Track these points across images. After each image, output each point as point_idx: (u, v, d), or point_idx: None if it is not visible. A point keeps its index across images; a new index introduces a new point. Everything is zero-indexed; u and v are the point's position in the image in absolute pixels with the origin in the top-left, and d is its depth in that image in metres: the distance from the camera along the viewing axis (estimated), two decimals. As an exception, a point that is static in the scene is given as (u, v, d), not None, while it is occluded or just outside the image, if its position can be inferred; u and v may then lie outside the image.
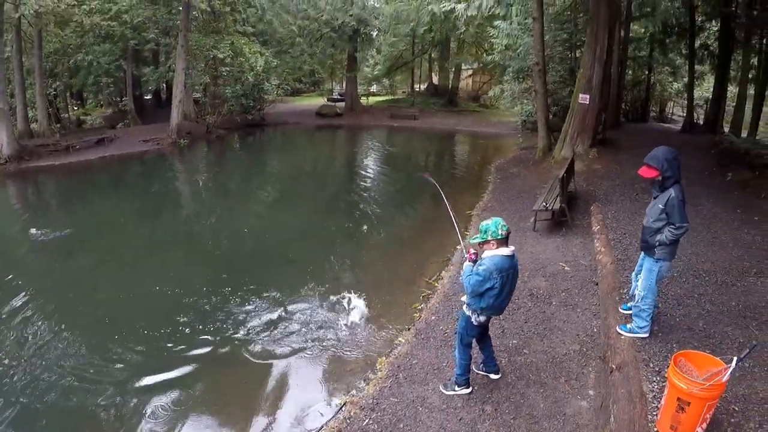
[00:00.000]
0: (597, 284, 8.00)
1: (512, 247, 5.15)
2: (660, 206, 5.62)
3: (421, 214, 14.38)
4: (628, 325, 6.20)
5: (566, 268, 8.87)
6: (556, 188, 11.29)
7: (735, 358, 4.29)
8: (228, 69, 30.16)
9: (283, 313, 8.53)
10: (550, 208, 10.78)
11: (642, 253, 6.15)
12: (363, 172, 21.76)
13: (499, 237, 5.02)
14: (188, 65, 27.26)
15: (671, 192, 5.51)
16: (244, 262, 11.02)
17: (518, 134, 26.77)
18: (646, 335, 6.06)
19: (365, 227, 13.46)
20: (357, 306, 8.85)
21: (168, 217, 14.98)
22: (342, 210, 15.58)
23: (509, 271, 5.10)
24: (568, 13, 24.06)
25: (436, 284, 9.18)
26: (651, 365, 5.57)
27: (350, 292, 9.33)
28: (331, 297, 9.14)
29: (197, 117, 30.70)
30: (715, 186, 13.69)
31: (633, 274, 6.44)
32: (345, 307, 8.81)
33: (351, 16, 33.86)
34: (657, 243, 5.68)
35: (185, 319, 8.37)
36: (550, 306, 7.55)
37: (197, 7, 25.72)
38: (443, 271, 9.74)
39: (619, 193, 13.42)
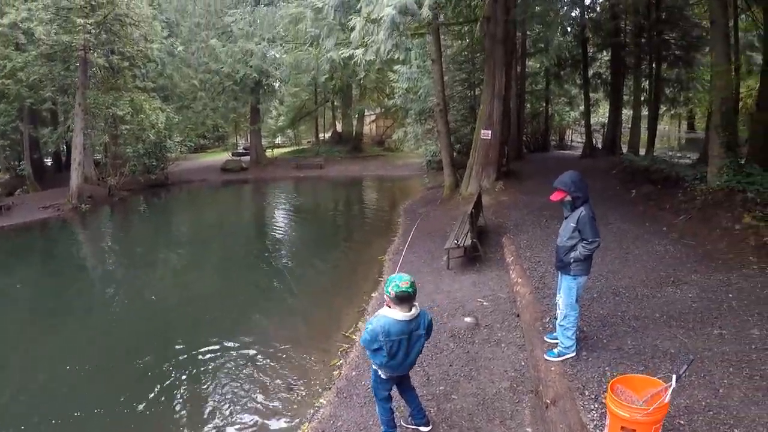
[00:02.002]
0: (518, 316, 7.72)
1: (413, 311, 4.58)
2: (572, 225, 5.64)
3: (333, 264, 13.89)
4: (555, 350, 5.98)
5: (485, 303, 8.57)
6: (466, 224, 11.07)
7: (674, 377, 4.07)
8: (128, 127, 28.91)
9: (189, 389, 7.62)
10: (461, 244, 10.52)
11: (558, 273, 6.01)
12: (272, 226, 21.25)
13: (390, 296, 4.50)
14: (87, 124, 26.02)
15: (581, 210, 5.58)
16: (149, 332, 9.98)
17: (424, 174, 26.91)
18: (574, 354, 5.90)
19: (277, 283, 12.61)
20: (273, 370, 8.01)
21: (68, 288, 13.44)
22: (252, 268, 14.65)
23: (401, 337, 4.55)
24: (466, 53, 24.62)
25: (354, 336, 8.64)
26: (587, 393, 5.23)
27: (265, 356, 8.48)
28: (245, 365, 8.24)
29: (99, 179, 29.20)
30: (622, 203, 14.13)
31: (556, 299, 6.19)
32: (260, 373, 7.94)
33: (251, 67, 33.16)
34: (572, 260, 5.64)
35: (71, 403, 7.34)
36: (474, 345, 7.16)
37: (95, 63, 24.51)
38: (360, 322, 9.19)
39: (529, 222, 13.44)
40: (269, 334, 9.48)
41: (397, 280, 4.48)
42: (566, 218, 5.80)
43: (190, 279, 13.95)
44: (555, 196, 5.67)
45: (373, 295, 10.34)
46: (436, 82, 18.86)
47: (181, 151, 36.45)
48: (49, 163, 36.84)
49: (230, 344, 8.98)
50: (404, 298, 4.47)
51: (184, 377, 7.94)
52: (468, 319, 7.85)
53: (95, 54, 24.58)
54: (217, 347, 8.88)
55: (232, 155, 42.69)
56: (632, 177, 16.93)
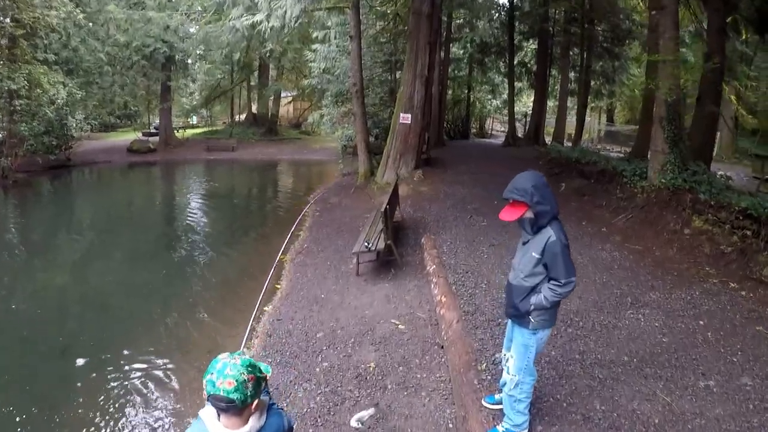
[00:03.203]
0: (442, 347, 5.99)
1: (248, 427, 2.26)
2: (534, 255, 3.83)
3: (225, 265, 11.78)
4: (499, 428, 4.23)
5: (400, 326, 6.77)
6: (379, 222, 9.25)
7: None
8: (22, 102, 25.52)
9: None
10: (373, 248, 8.74)
11: (509, 321, 4.30)
12: (167, 216, 19.04)
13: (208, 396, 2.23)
14: None
15: (549, 233, 3.79)
16: (32, 330, 8.33)
17: (339, 160, 25.18)
18: None
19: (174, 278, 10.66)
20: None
21: None
22: (152, 257, 12.85)
23: None
24: (388, 34, 23.47)
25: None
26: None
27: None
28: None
29: None
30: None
31: (502, 353, 4.45)
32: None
33: (163, 42, 31.05)
34: (532, 307, 3.87)
35: None
36: (385, 391, 5.35)
37: None
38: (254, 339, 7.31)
39: (452, 217, 11.83)
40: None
41: (216, 372, 2.21)
42: (524, 243, 4.03)
43: (86, 272, 12.12)
44: (508, 213, 3.84)
45: (265, 309, 8.39)
46: (353, 61, 17.07)
47: (84, 130, 33.12)
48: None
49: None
50: (221, 408, 2.22)
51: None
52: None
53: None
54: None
55: (143, 135, 39.60)
56: (561, 169, 15.83)
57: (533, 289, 3.88)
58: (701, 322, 6.06)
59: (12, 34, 23.98)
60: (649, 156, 12.08)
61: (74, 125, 29.69)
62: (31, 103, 25.25)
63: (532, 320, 3.91)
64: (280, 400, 5.46)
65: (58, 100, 25.20)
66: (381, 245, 8.75)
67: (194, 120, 51.04)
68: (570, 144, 24.12)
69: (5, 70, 23.43)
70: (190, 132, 42.68)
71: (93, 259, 13.16)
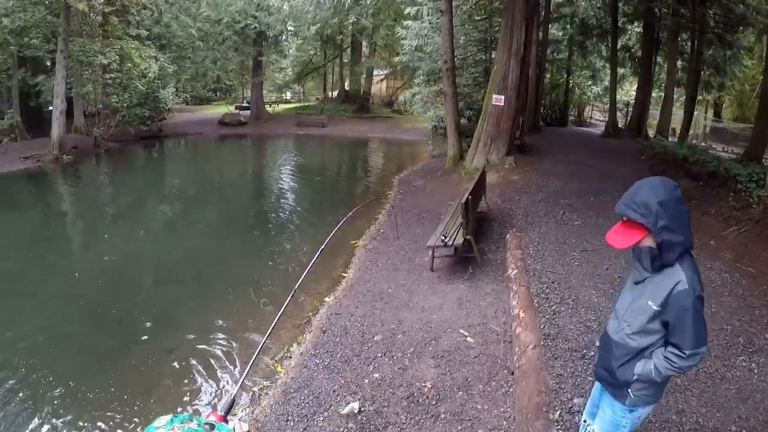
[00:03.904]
0: (513, 374, 5.10)
1: None
2: (651, 305, 2.67)
3: (302, 243, 11.28)
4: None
5: (469, 339, 5.91)
6: (459, 215, 8.35)
7: None
8: (113, 76, 26.30)
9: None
10: (450, 243, 7.86)
11: (597, 384, 3.22)
12: (254, 188, 19.10)
13: None
14: (73, 73, 24.28)
15: (678, 277, 2.59)
16: (114, 298, 8.37)
17: (429, 141, 24.30)
18: None
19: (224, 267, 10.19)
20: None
21: (25, 246, 11.46)
22: (232, 230, 12.79)
23: None
24: (482, 11, 22.42)
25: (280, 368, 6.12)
26: None
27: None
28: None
29: (87, 130, 26.80)
30: None
31: (582, 417, 3.45)
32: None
33: (255, 18, 31.50)
34: (635, 378, 2.78)
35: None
36: (437, 421, 4.52)
37: (75, 8, 22.03)
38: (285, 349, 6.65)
39: (543, 212, 10.75)
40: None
41: None
42: (637, 283, 2.82)
43: (166, 236, 12.73)
44: (619, 237, 2.64)
45: (326, 300, 7.74)
46: (444, 37, 16.07)
47: (176, 103, 33.88)
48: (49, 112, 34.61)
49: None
50: None
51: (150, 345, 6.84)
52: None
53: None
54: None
55: (236, 109, 40.09)
56: (666, 166, 14.48)
57: (641, 353, 2.77)
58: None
59: (103, 11, 24.88)
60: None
61: (164, 98, 30.57)
62: (122, 76, 26.11)
63: (631, 394, 2.85)
64: (318, 412, 4.79)
65: (150, 74, 25.73)
66: (459, 240, 7.88)
67: (288, 95, 51.57)
68: (674, 139, 22.31)
69: (97, 45, 24.11)
70: (282, 107, 43.14)
71: (175, 229, 13.34)
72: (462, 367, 5.33)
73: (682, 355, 2.59)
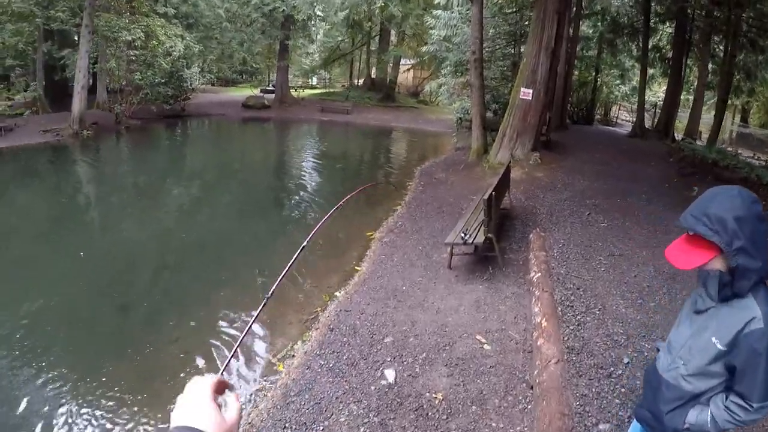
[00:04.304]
0: (532, 389, 4.68)
1: None
2: (716, 343, 2.18)
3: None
4: None
5: (486, 346, 5.51)
6: (481, 211, 7.92)
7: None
8: (137, 53, 26.31)
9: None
10: (470, 241, 7.45)
11: (635, 422, 2.77)
12: (274, 173, 18.85)
13: None
14: (98, 48, 24.48)
15: (753, 312, 2.11)
16: (119, 281, 8.16)
17: (453, 133, 23.86)
18: None
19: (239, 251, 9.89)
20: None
21: (37, 220, 11.41)
22: (249, 214, 12.54)
23: None
24: (513, 4, 22.34)
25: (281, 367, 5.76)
26: None
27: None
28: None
29: (110, 106, 26.69)
30: (682, 204, 10.78)
31: None
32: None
33: (283, 1, 31.17)
34: (685, 427, 2.31)
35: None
36: (447, 436, 4.20)
37: None
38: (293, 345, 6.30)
39: (568, 212, 10.34)
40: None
41: None
42: (699, 312, 2.34)
43: (180, 217, 12.42)
44: (685, 255, 2.18)
45: (336, 295, 7.36)
46: (473, 27, 15.68)
47: (201, 83, 33.70)
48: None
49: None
50: None
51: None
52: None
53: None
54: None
55: (261, 92, 39.85)
56: (694, 169, 14.06)
57: (696, 398, 2.30)
58: None
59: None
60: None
61: (190, 77, 30.55)
62: (147, 53, 26.03)
63: None
64: (318, 421, 4.44)
65: (175, 53, 25.57)
66: (480, 238, 7.47)
67: (314, 81, 51.53)
68: (701, 142, 21.88)
69: (123, 21, 23.99)
70: (307, 92, 42.80)
71: (190, 211, 13.11)
72: (477, 378, 4.95)
73: (749, 407, 2.13)
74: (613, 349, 5.20)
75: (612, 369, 4.86)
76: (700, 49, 24.02)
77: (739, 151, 21.10)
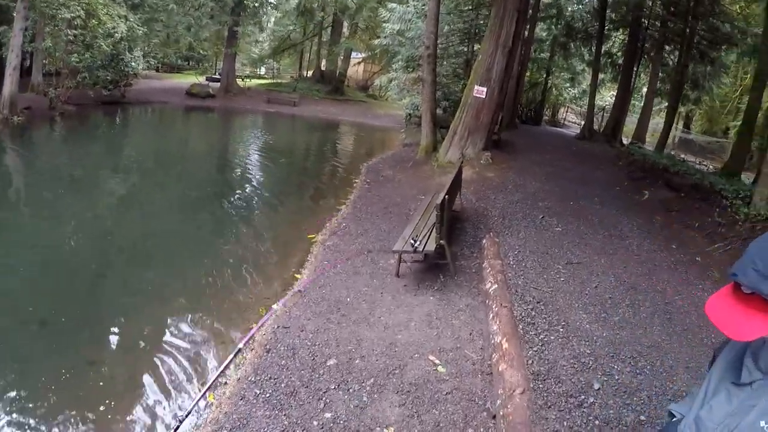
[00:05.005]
0: (494, 418, 4.16)
1: None
2: (766, 427, 1.41)
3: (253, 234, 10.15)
4: None
5: (440, 368, 4.93)
6: (432, 215, 7.36)
7: None
8: (77, 33, 24.38)
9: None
10: (420, 249, 6.88)
11: None
12: (209, 167, 17.73)
13: None
14: (35, 25, 22.99)
15: None
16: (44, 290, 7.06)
17: (402, 129, 23.48)
18: None
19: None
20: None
21: None
22: (186, 208, 11.76)
23: None
24: (470, 2, 22.38)
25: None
26: None
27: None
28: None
29: (45, 90, 24.94)
30: (634, 208, 11.12)
31: None
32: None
33: None
34: None
35: None
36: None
37: None
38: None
39: (521, 215, 9.95)
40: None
41: None
42: (742, 386, 1.59)
43: (112, 214, 11.23)
44: (745, 318, 1.37)
45: (274, 306, 6.67)
46: (428, 21, 15.31)
47: (143, 68, 32.25)
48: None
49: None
50: None
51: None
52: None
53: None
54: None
55: (206, 80, 38.65)
56: (643, 174, 14.14)
57: None
58: None
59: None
60: (758, 179, 10.91)
61: (132, 61, 28.84)
62: (86, 33, 24.28)
63: None
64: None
65: (117, 34, 24.08)
66: (431, 245, 6.90)
67: (262, 70, 50.82)
68: (648, 147, 22.90)
69: (62, -2, 22.44)
70: (254, 82, 42.04)
71: (123, 208, 11.89)
72: (432, 407, 4.37)
73: None
74: (582, 372, 4.73)
75: (583, 397, 4.38)
76: (651, 57, 24.96)
77: (683, 156, 21.78)
